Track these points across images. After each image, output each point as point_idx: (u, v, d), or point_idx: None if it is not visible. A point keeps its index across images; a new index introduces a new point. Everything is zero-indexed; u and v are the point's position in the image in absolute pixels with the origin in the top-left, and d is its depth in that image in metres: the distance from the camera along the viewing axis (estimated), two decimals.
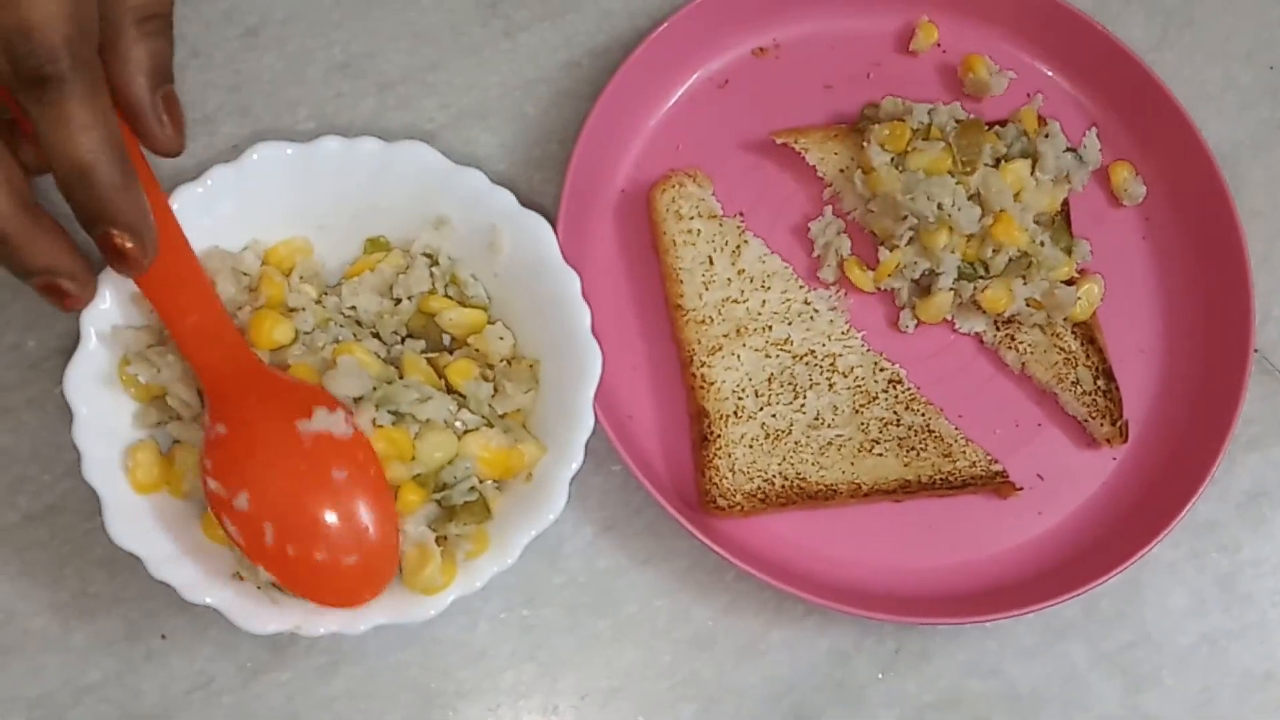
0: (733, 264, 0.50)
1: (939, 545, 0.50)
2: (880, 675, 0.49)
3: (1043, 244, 0.50)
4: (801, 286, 0.51)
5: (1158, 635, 0.50)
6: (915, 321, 0.51)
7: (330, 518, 0.41)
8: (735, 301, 0.50)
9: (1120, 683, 0.49)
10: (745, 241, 0.51)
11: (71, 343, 0.43)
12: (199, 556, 0.42)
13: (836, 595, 0.47)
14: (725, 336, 0.49)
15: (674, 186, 0.51)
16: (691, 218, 0.51)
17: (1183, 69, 0.56)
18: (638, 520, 0.49)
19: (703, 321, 0.50)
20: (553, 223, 0.47)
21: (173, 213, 0.43)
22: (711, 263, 0.50)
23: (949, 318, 0.51)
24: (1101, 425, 0.50)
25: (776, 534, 0.49)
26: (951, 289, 0.50)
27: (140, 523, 0.42)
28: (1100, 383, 0.50)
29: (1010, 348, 0.51)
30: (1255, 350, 0.51)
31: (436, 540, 0.43)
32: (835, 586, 0.48)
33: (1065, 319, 0.51)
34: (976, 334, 0.51)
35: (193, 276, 0.43)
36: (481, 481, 0.44)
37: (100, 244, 0.37)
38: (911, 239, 0.50)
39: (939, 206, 0.49)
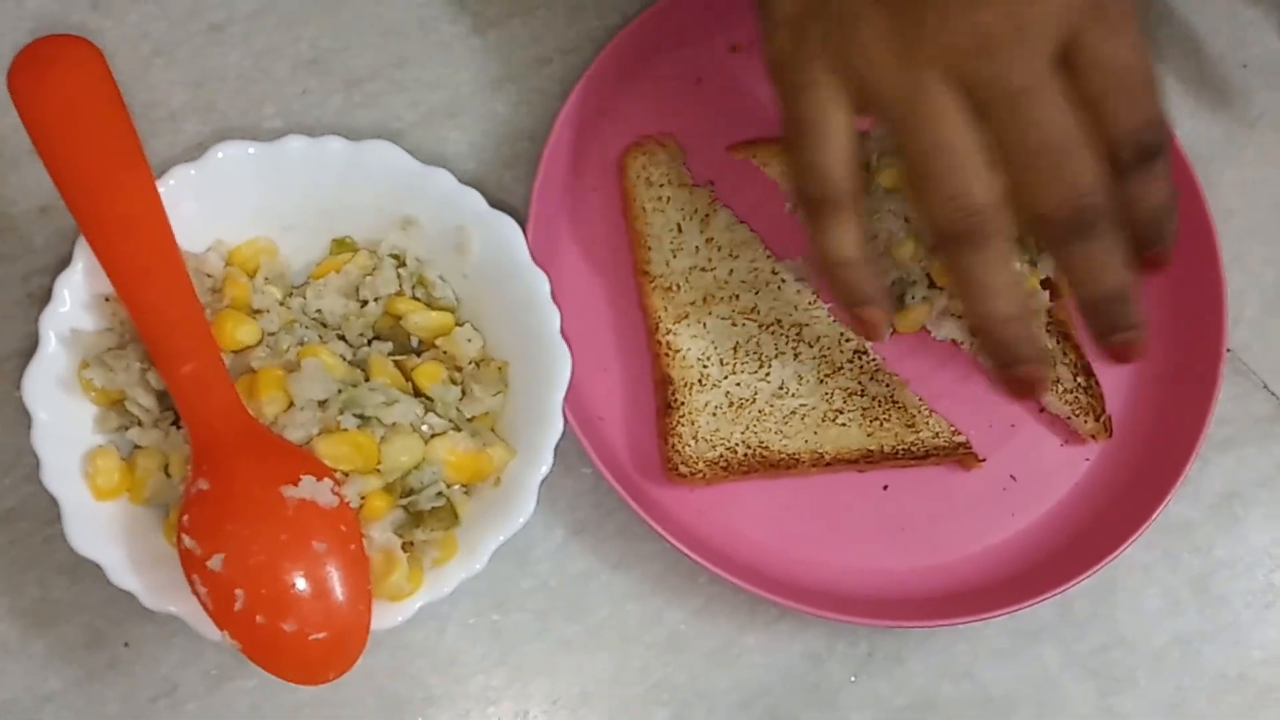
0: (701, 232, 0.50)
1: (912, 547, 0.49)
2: (853, 678, 0.48)
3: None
4: (769, 256, 0.51)
5: (1131, 637, 0.50)
6: (891, 331, 0.51)
7: (305, 590, 0.39)
8: (703, 269, 0.50)
9: (1093, 685, 0.49)
10: (715, 210, 0.50)
11: (31, 345, 0.42)
12: (161, 564, 0.41)
13: (809, 598, 0.47)
14: (692, 304, 0.49)
15: (645, 153, 0.51)
16: (662, 185, 0.51)
17: (1155, 67, 0.56)
18: (609, 523, 0.48)
19: (670, 289, 0.50)
20: (523, 222, 0.46)
21: (179, 252, 0.43)
22: (680, 230, 0.50)
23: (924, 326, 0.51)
24: (1085, 422, 0.50)
25: (749, 537, 0.49)
26: (925, 298, 0.50)
27: (101, 529, 0.42)
28: (1081, 379, 0.50)
29: None
30: (1228, 350, 0.51)
31: (403, 546, 0.42)
32: (808, 589, 0.48)
33: (1040, 322, 0.51)
34: (953, 340, 0.51)
35: (194, 321, 0.42)
36: (449, 486, 0.44)
37: (1006, 381, 0.42)
38: (880, 252, 0.50)
39: (905, 220, 0.49)
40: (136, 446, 0.43)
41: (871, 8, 0.38)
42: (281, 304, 0.45)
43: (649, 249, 0.50)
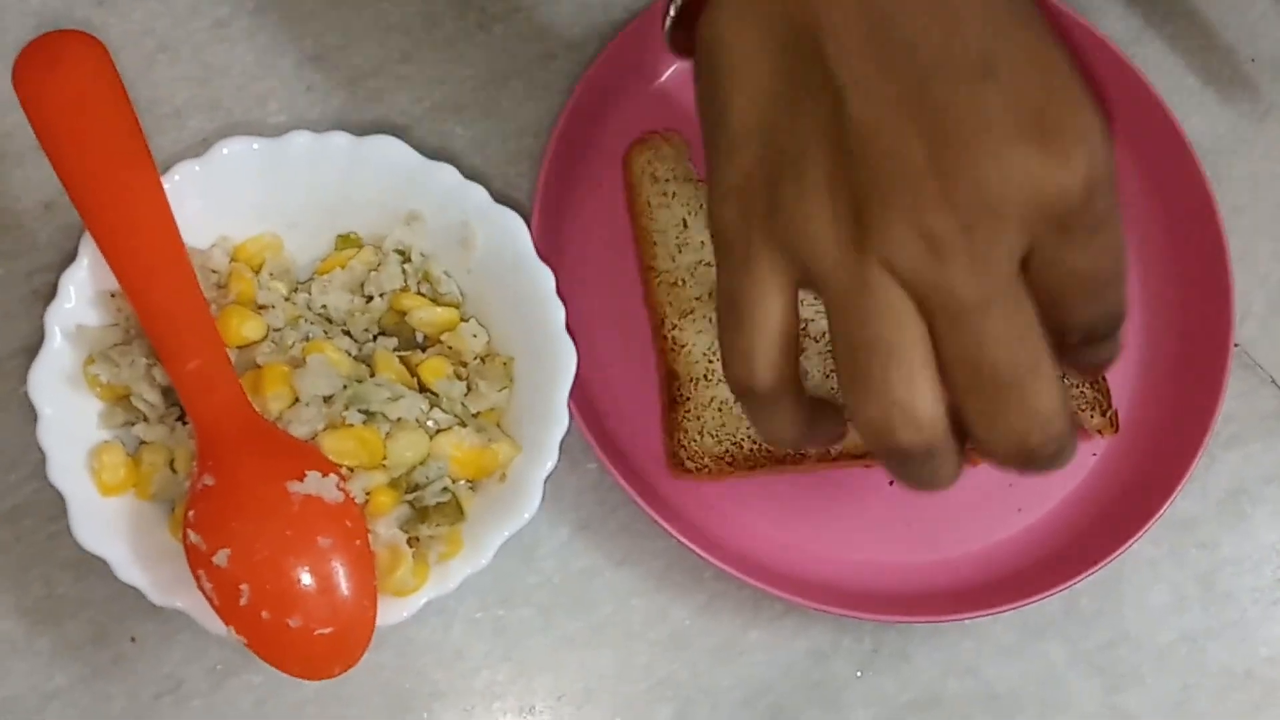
0: (707, 227, 0.50)
1: (917, 543, 0.49)
2: (858, 675, 0.48)
3: None
4: None
5: (1137, 633, 0.50)
6: None
7: (310, 585, 0.39)
8: (708, 265, 0.50)
9: (1099, 681, 0.49)
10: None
11: (36, 341, 0.42)
12: (167, 559, 0.41)
13: (815, 594, 0.46)
14: (697, 300, 0.49)
15: (650, 149, 0.51)
16: (667, 180, 0.50)
17: (1163, 62, 0.56)
18: (613, 520, 0.48)
19: (675, 284, 0.49)
20: (527, 217, 0.46)
21: (184, 248, 0.43)
22: (686, 225, 0.50)
23: None
24: (1092, 417, 0.50)
25: (754, 532, 0.49)
26: None
27: (107, 525, 0.42)
28: None
29: None
30: (1235, 345, 0.51)
31: (408, 542, 0.42)
32: (813, 585, 0.48)
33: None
34: None
35: (199, 317, 0.42)
36: (454, 482, 0.43)
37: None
38: None
39: None
40: (142, 442, 0.43)
41: (822, 189, 0.34)
42: (286, 300, 0.45)
43: (654, 244, 0.50)
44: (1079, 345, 0.36)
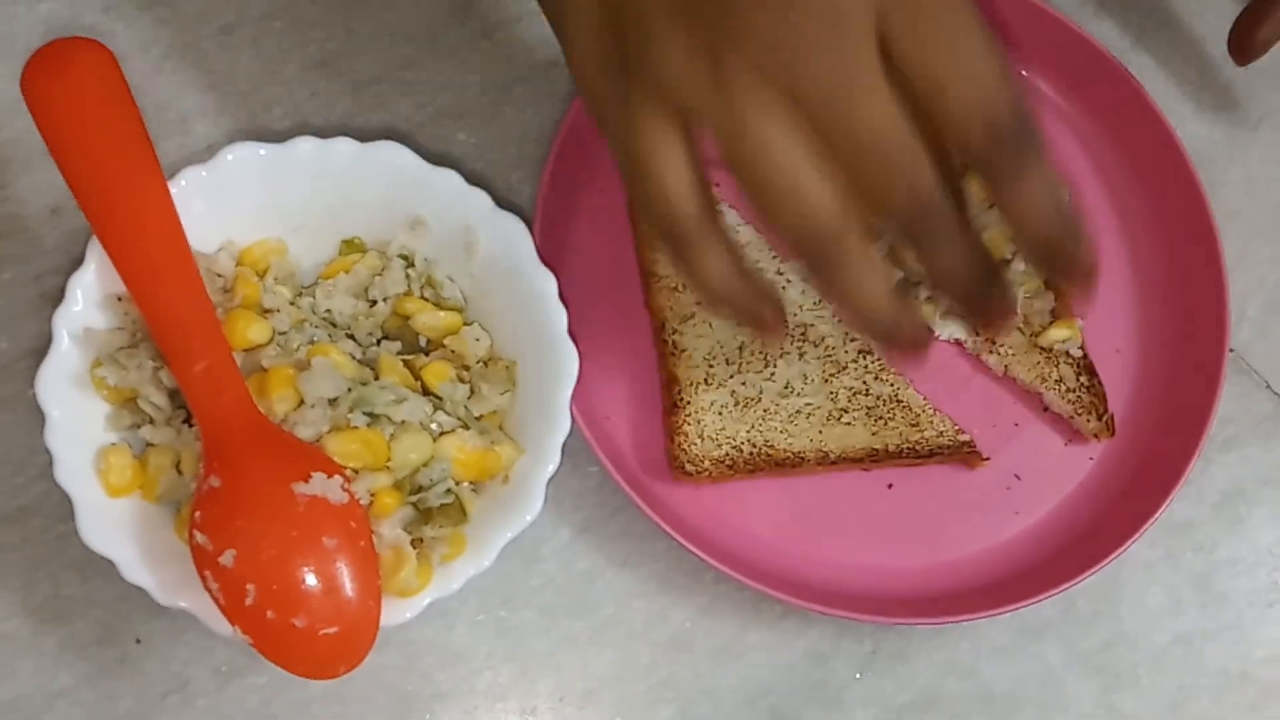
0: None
1: (916, 546, 0.50)
2: (858, 676, 0.49)
3: (1009, 260, 0.50)
4: (774, 257, 0.51)
5: (1134, 635, 0.50)
6: None
7: (315, 586, 0.40)
8: None
9: (1096, 682, 0.50)
10: (719, 211, 0.51)
11: (44, 344, 0.43)
12: (172, 559, 0.42)
13: (814, 596, 0.47)
14: (697, 304, 0.50)
15: None
16: None
17: (1159, 69, 0.56)
18: (614, 522, 0.49)
19: (675, 288, 0.50)
20: (529, 222, 0.47)
21: (191, 252, 0.43)
22: None
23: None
24: (1088, 421, 0.50)
25: (754, 535, 0.49)
26: (929, 298, 0.50)
27: (113, 526, 0.42)
28: (1083, 379, 0.51)
29: (992, 352, 0.51)
30: (1231, 350, 0.51)
31: (412, 543, 0.43)
32: (813, 587, 0.48)
33: (1043, 327, 0.51)
34: (956, 340, 0.51)
35: (205, 320, 0.43)
36: (457, 484, 0.44)
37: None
38: (886, 253, 0.50)
39: None
40: (149, 444, 0.44)
41: (666, 23, 0.34)
42: (291, 304, 0.46)
43: (654, 249, 0.50)
44: (997, 167, 0.36)
